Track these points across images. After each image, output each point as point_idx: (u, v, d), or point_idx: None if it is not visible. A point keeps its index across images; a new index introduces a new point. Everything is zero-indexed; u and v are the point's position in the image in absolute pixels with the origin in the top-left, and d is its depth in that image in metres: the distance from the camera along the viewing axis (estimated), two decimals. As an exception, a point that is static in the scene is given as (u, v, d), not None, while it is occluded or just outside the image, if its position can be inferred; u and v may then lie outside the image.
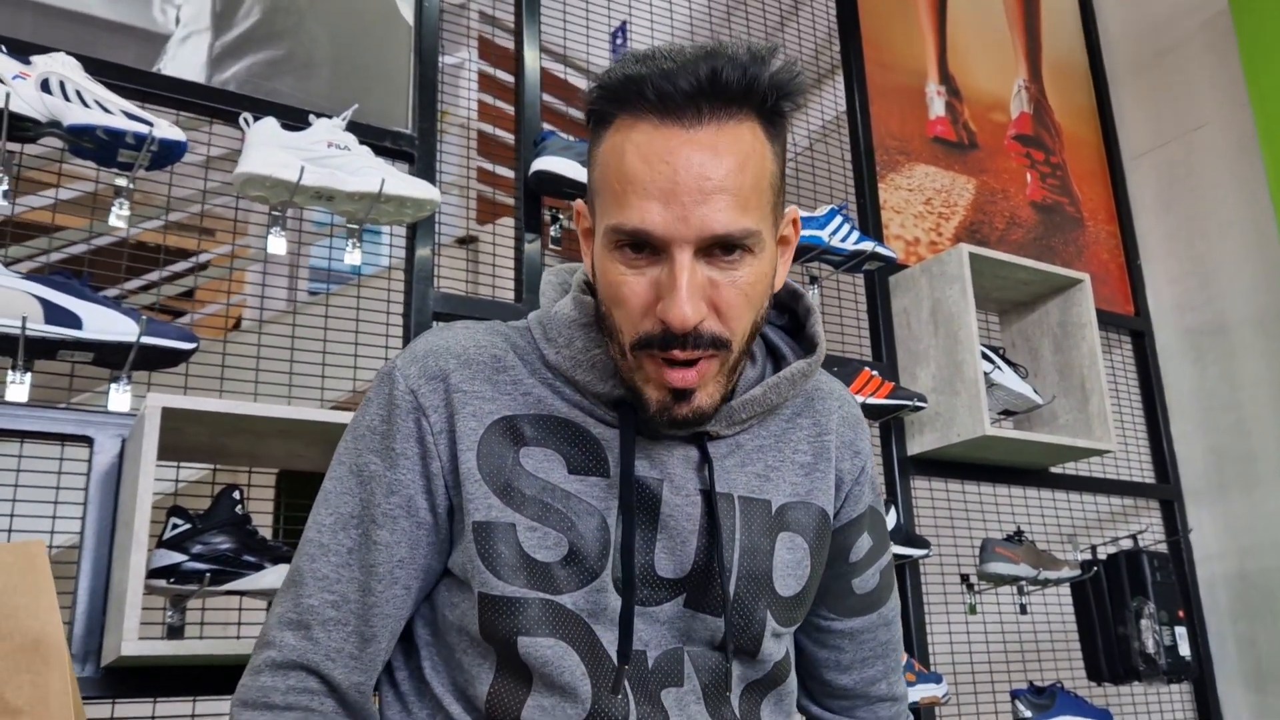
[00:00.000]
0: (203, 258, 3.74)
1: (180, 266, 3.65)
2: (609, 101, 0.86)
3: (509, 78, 2.52)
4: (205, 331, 3.68)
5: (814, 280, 2.47)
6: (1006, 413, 2.66)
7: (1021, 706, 2.30)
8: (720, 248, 0.84)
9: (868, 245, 2.40)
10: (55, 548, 1.66)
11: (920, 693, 2.12)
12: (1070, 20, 3.43)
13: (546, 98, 2.42)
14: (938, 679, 2.17)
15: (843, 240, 2.39)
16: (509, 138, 2.40)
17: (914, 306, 2.55)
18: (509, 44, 2.45)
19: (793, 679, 1.03)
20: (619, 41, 2.96)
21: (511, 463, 0.91)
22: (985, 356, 2.50)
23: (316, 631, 0.91)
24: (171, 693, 1.56)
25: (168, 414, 1.43)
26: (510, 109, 2.41)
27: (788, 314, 1.05)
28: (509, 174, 2.40)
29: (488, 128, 3.88)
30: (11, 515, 1.61)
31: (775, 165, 0.88)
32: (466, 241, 3.86)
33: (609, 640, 0.90)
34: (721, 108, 0.84)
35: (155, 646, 1.37)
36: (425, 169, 2.05)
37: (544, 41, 2.39)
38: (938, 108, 2.98)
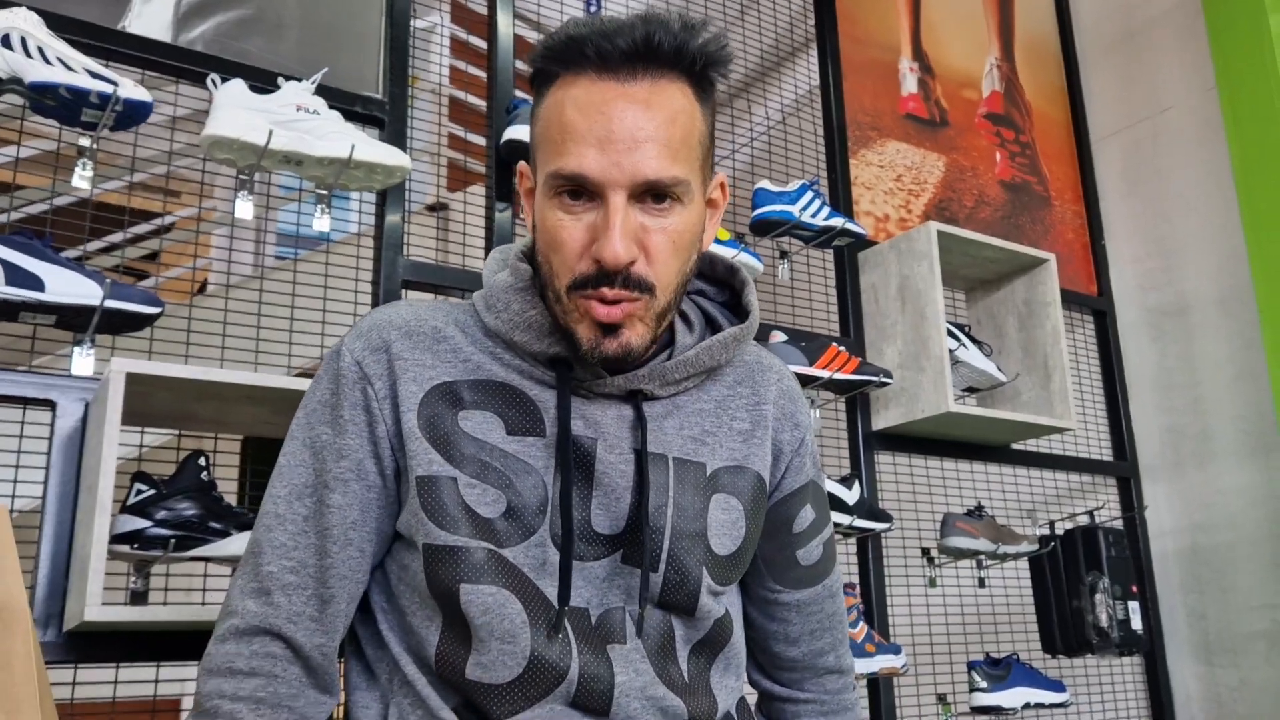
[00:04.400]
0: (168, 219, 3.68)
1: (145, 228, 3.59)
2: (553, 61, 0.92)
3: (482, 43, 2.49)
4: (170, 295, 3.62)
5: (784, 255, 2.48)
6: (970, 389, 2.70)
7: (977, 677, 2.35)
8: (651, 195, 0.90)
9: (838, 221, 2.42)
10: (17, 511, 1.65)
11: (880, 663, 2.15)
12: (1043, 0, 3.44)
13: (519, 65, 2.40)
14: (897, 650, 2.21)
15: (813, 215, 2.40)
16: (481, 104, 2.37)
17: (882, 283, 2.57)
18: (482, 9, 2.42)
19: (739, 640, 1.06)
20: (593, 7, 2.93)
21: (451, 425, 0.95)
22: (951, 334, 2.53)
23: (277, 596, 0.93)
24: (135, 658, 1.56)
25: (132, 379, 1.42)
26: (483, 74, 2.38)
27: (727, 290, 1.09)
28: (481, 141, 2.38)
29: (460, 93, 3.85)
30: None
31: (704, 126, 0.95)
32: (437, 208, 3.84)
33: (551, 593, 0.93)
34: (654, 68, 0.91)
35: (118, 612, 1.37)
36: (396, 135, 2.03)
37: (517, 7, 2.37)
38: (910, 84, 2.99)
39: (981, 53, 3.21)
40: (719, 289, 1.10)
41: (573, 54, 0.91)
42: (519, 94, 2.26)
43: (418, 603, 0.95)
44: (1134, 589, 2.64)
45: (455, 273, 2.08)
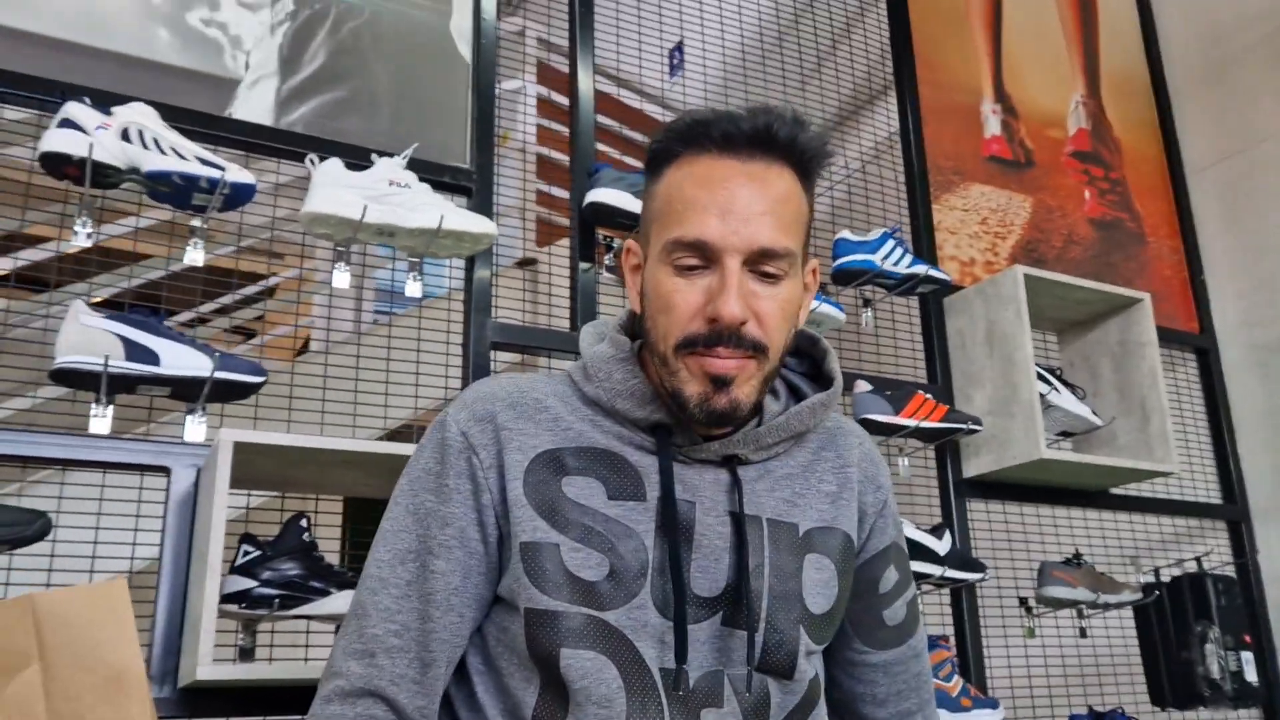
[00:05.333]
0: (272, 281, 3.85)
1: (252, 289, 3.77)
2: (677, 141, 1.00)
3: (565, 100, 2.57)
4: (274, 353, 3.80)
5: (867, 303, 2.48)
6: (1065, 434, 2.64)
7: (1081, 732, 2.28)
8: (762, 263, 0.96)
9: (921, 269, 2.41)
10: (135, 573, 1.76)
11: (976, 719, 2.11)
12: (1129, 34, 3.39)
13: (600, 118, 2.47)
14: (994, 704, 2.17)
15: (895, 264, 2.40)
16: (566, 159, 2.43)
17: (969, 328, 2.55)
18: (565, 67, 2.49)
19: (823, 704, 1.08)
20: (676, 60, 3.01)
21: (555, 490, 0.99)
22: (1041, 378, 2.49)
23: (381, 659, 0.96)
24: (244, 712, 1.63)
25: (239, 447, 1.50)
26: (567, 130, 2.45)
27: (807, 360, 1.14)
28: (566, 194, 2.45)
29: (545, 150, 3.97)
30: (95, 541, 1.71)
31: (807, 211, 1.02)
32: (525, 264, 3.95)
33: (650, 655, 0.95)
34: (770, 153, 0.99)
35: (228, 670, 1.44)
36: (483, 202, 2.11)
37: (598, 63, 2.44)
38: (993, 126, 2.97)
39: (1066, 90, 3.18)
40: (799, 359, 1.15)
41: (697, 134, 0.99)
42: (600, 156, 2.32)
43: (516, 664, 0.98)
44: (1246, 639, 2.53)
45: (542, 333, 2.15)
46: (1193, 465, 2.94)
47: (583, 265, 2.18)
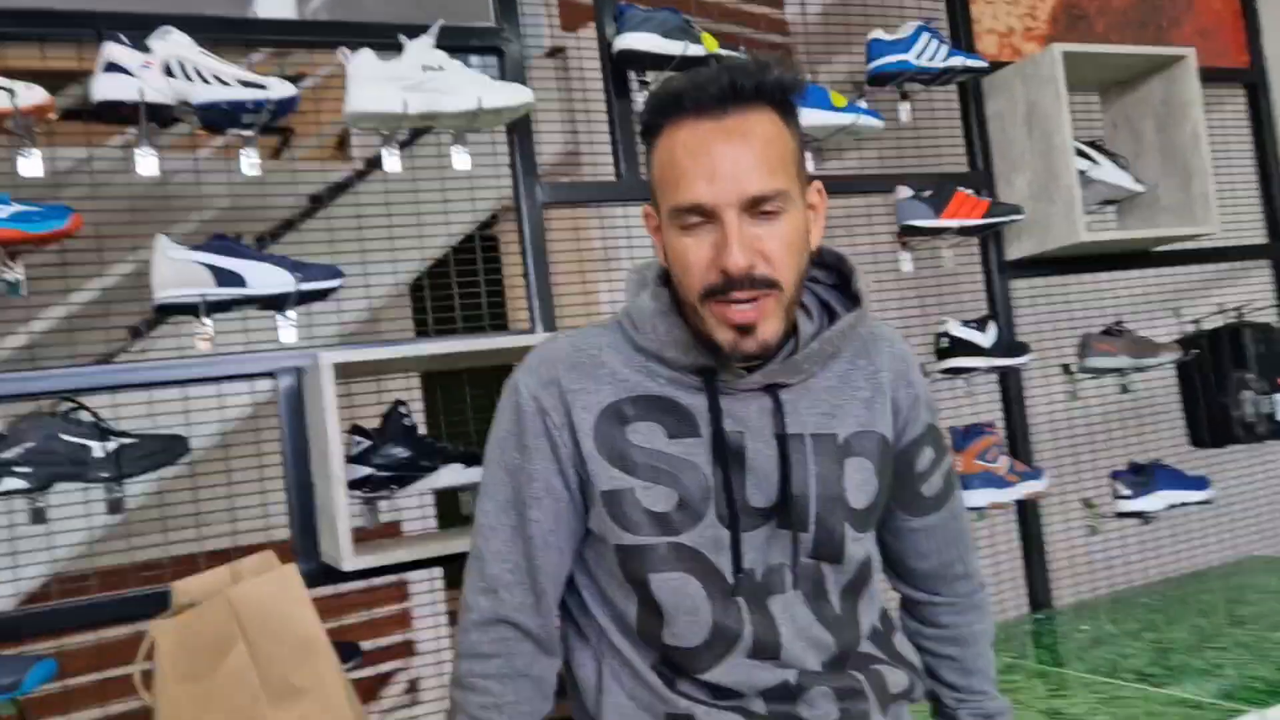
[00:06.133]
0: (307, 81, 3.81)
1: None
2: (658, 115, 1.11)
3: None
4: (309, 156, 3.84)
5: (904, 96, 2.47)
6: (1108, 202, 2.68)
7: (1121, 486, 2.49)
8: (758, 206, 1.08)
9: (957, 61, 2.38)
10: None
11: (1023, 490, 2.32)
12: None
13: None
14: (1038, 474, 2.37)
15: (930, 59, 2.37)
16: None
17: (1008, 110, 2.54)
18: None
19: (877, 575, 1.27)
20: None
21: (622, 439, 1.15)
22: (1082, 153, 2.51)
23: (503, 593, 1.18)
24: (378, 573, 1.89)
25: (339, 367, 1.66)
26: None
27: (835, 273, 1.25)
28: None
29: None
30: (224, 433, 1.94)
31: (793, 142, 1.12)
32: (555, 53, 3.88)
33: (723, 565, 1.15)
34: (742, 103, 1.08)
35: (368, 561, 1.68)
36: (514, 60, 2.12)
37: None
38: (1029, -128, 2.78)
39: None
40: (828, 272, 1.25)
41: (673, 106, 1.09)
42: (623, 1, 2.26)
43: (615, 584, 1.18)
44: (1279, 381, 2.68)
45: (588, 186, 2.22)
46: (1239, 205, 2.97)
47: (619, 107, 2.20)
